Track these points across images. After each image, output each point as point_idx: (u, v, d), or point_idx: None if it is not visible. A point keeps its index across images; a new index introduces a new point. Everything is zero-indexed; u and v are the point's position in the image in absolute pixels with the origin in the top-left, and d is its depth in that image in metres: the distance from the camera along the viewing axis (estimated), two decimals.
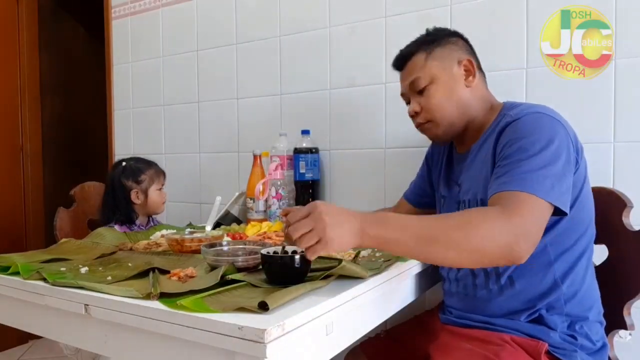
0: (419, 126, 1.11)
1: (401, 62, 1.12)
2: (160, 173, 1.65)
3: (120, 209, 1.56)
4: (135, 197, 1.57)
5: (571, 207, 0.90)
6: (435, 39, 1.09)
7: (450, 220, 0.80)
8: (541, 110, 0.94)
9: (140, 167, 1.60)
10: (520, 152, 0.87)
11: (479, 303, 1.00)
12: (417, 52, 1.08)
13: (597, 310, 0.99)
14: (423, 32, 1.37)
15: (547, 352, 0.91)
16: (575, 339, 0.93)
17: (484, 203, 0.96)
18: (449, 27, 1.17)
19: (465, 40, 1.12)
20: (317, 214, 0.73)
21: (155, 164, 1.67)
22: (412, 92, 1.09)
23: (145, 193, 1.58)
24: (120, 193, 1.57)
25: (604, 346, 0.97)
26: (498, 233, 0.77)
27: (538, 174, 0.84)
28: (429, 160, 1.28)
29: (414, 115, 1.10)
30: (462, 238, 0.76)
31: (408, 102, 1.12)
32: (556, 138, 0.88)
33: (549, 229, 0.91)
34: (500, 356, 0.90)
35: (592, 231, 1.00)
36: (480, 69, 1.10)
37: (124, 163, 1.61)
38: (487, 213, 0.81)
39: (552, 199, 0.83)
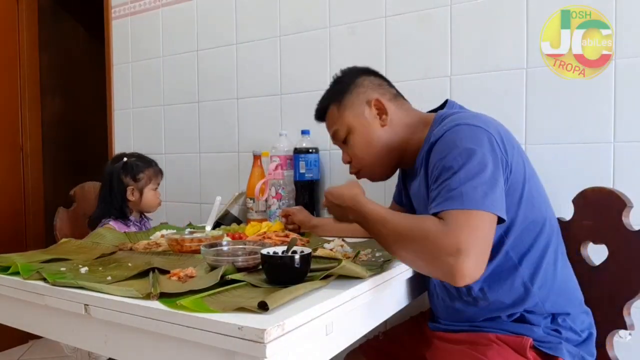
0: (354, 174, 1.15)
1: (319, 116, 1.17)
2: (159, 173, 1.66)
3: (114, 203, 1.57)
4: (131, 194, 1.58)
5: (518, 208, 0.91)
6: (342, 87, 1.11)
7: (406, 222, 0.85)
8: (460, 121, 0.92)
9: (139, 165, 1.61)
10: (445, 172, 0.86)
11: (459, 313, 1.02)
12: (330, 105, 1.12)
13: (577, 301, 1.00)
14: (423, 32, 1.38)
15: (533, 347, 0.92)
16: (559, 332, 0.94)
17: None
18: (448, 27, 1.17)
19: (374, 74, 1.13)
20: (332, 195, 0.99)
21: (155, 163, 1.67)
22: (338, 142, 1.14)
23: (141, 192, 1.59)
24: (117, 188, 1.58)
25: (589, 336, 0.97)
26: (433, 249, 0.79)
27: (466, 187, 0.82)
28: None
29: (348, 164, 1.14)
30: (405, 245, 0.84)
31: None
32: (477, 147, 0.86)
33: (504, 235, 0.93)
34: (487, 355, 0.91)
35: (549, 227, 0.98)
36: (396, 97, 1.10)
37: (125, 159, 1.62)
38: (427, 226, 0.81)
39: (487, 208, 0.81)
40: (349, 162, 1.13)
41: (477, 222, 0.80)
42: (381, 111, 1.07)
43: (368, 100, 1.07)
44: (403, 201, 1.32)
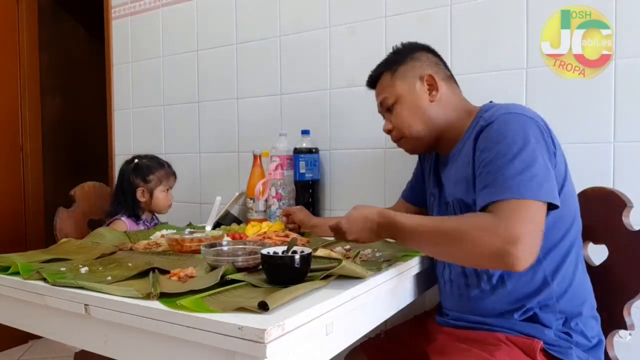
0: (395, 142, 1.16)
1: (371, 82, 1.18)
2: (171, 175, 1.69)
3: (126, 203, 1.61)
4: (141, 195, 1.62)
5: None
6: (399, 57, 1.12)
7: (445, 224, 0.88)
8: (512, 110, 0.94)
9: (150, 167, 1.65)
10: (500, 158, 0.88)
11: (473, 303, 1.01)
12: (384, 72, 1.13)
13: (590, 305, 1.00)
14: (423, 32, 1.38)
15: (543, 350, 0.92)
16: (570, 336, 0.94)
17: (464, 204, 1.00)
18: (448, 27, 1.18)
19: (432, 52, 1.14)
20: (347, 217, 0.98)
21: (168, 165, 1.71)
22: (383, 110, 1.15)
23: (151, 193, 1.62)
24: (128, 189, 1.62)
25: (599, 342, 0.97)
26: (488, 241, 0.81)
27: (522, 176, 0.85)
28: (422, 158, 1.30)
29: (388, 133, 1.16)
30: (454, 245, 0.86)
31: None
32: (531, 135, 0.89)
33: None
34: (495, 356, 0.91)
35: (577, 227, 1.00)
36: (449, 79, 1.12)
37: (136, 160, 1.65)
38: (479, 221, 0.85)
39: (542, 197, 0.84)
40: (389, 132, 1.14)
41: (532, 211, 0.83)
42: (432, 87, 1.08)
43: (422, 75, 1.09)
44: (415, 198, 1.33)
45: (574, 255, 0.98)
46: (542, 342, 0.92)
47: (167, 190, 1.67)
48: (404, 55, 1.12)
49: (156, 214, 1.72)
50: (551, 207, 0.87)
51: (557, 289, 0.95)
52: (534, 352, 0.91)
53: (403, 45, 1.16)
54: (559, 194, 0.93)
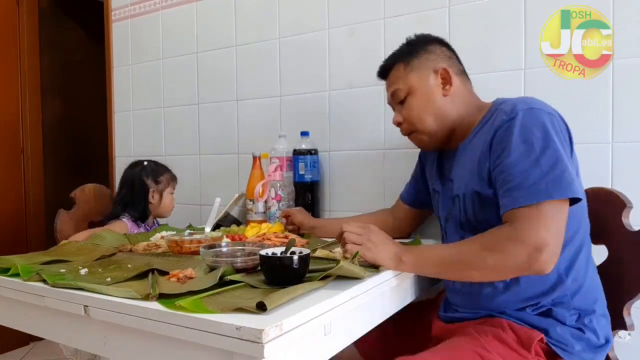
0: (407, 136, 1.15)
1: (383, 72, 1.16)
2: (175, 179, 1.71)
3: (137, 205, 1.61)
4: (152, 196, 1.62)
5: None
6: (413, 49, 1.11)
7: (469, 246, 0.90)
8: (534, 105, 0.94)
9: (159, 169, 1.67)
10: (525, 159, 0.88)
11: (484, 301, 1.00)
12: (396, 63, 1.12)
13: (602, 303, 0.99)
14: (422, 33, 1.36)
15: (544, 344, 0.91)
16: (583, 332, 0.93)
17: (477, 195, 0.98)
18: (447, 28, 1.18)
19: (446, 46, 1.13)
20: (368, 230, 0.96)
21: (171, 170, 1.72)
22: (394, 102, 1.13)
23: (161, 195, 1.63)
24: (140, 190, 1.63)
25: (607, 342, 0.97)
26: (514, 253, 0.84)
27: (551, 176, 0.85)
28: (423, 157, 1.29)
29: (398, 125, 1.14)
30: (481, 262, 0.88)
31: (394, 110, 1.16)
32: (552, 131, 0.89)
33: None
34: (487, 343, 0.91)
35: (586, 225, 1.00)
36: (462, 73, 1.11)
37: (145, 162, 1.67)
38: (502, 234, 0.87)
39: (571, 194, 0.86)
40: (400, 124, 1.13)
41: (558, 212, 0.85)
42: (446, 81, 1.07)
43: (436, 69, 1.08)
44: (413, 201, 1.33)
45: (585, 253, 0.98)
46: (543, 335, 0.91)
47: (172, 193, 1.69)
48: (418, 47, 1.11)
49: (157, 218, 1.72)
50: (572, 201, 0.88)
51: (571, 286, 0.95)
52: (530, 343, 0.90)
53: (417, 37, 1.14)
54: None
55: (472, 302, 1.03)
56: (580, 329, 0.94)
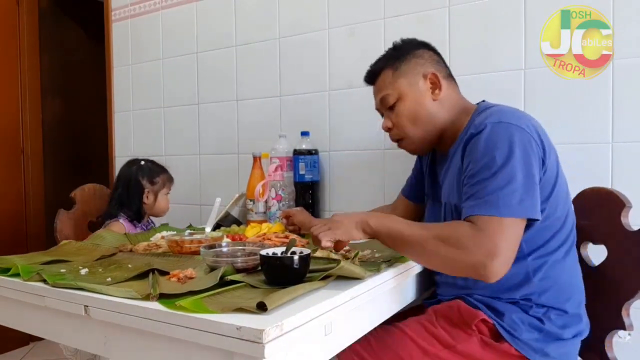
0: (395, 142, 1.15)
1: (371, 78, 1.16)
2: (171, 180, 1.71)
3: (132, 204, 1.61)
4: (146, 197, 1.62)
5: (543, 208, 0.93)
6: (401, 54, 1.11)
7: (431, 230, 0.91)
8: (503, 119, 0.94)
9: (156, 170, 1.67)
10: (484, 170, 0.90)
11: (459, 289, 1.03)
12: (385, 68, 1.12)
13: (576, 303, 1.00)
14: (422, 33, 1.37)
15: (492, 324, 0.95)
16: (543, 323, 0.95)
17: (455, 208, 1.01)
18: (447, 28, 1.18)
19: (433, 50, 1.14)
20: (331, 217, 0.98)
21: (168, 170, 1.72)
22: (383, 108, 1.13)
23: (156, 195, 1.63)
24: (135, 190, 1.63)
25: (574, 337, 0.97)
26: (467, 254, 0.85)
27: (504, 192, 0.87)
28: (420, 156, 1.30)
29: (387, 131, 1.14)
30: (436, 247, 0.89)
31: (382, 115, 1.16)
32: (516, 147, 0.89)
33: (524, 230, 0.94)
34: (434, 323, 0.97)
35: (569, 226, 1.01)
36: (449, 77, 1.12)
37: (142, 162, 1.66)
38: (464, 230, 0.87)
39: (522, 214, 0.87)
40: (389, 130, 1.13)
41: (511, 227, 0.86)
42: (435, 86, 1.08)
43: (425, 73, 1.08)
44: (414, 195, 1.33)
45: (561, 253, 0.98)
46: (486, 317, 0.95)
47: (168, 193, 1.69)
48: (405, 52, 1.11)
49: (152, 218, 1.72)
50: (530, 219, 0.89)
51: (540, 285, 0.96)
52: (471, 322, 0.95)
53: (403, 41, 1.15)
54: (549, 197, 0.95)
55: (454, 291, 1.05)
56: (540, 320, 0.95)
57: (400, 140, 1.14)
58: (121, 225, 1.57)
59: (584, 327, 1.00)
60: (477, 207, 0.88)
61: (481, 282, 0.97)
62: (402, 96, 1.08)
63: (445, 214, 1.06)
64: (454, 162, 1.03)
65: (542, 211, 0.92)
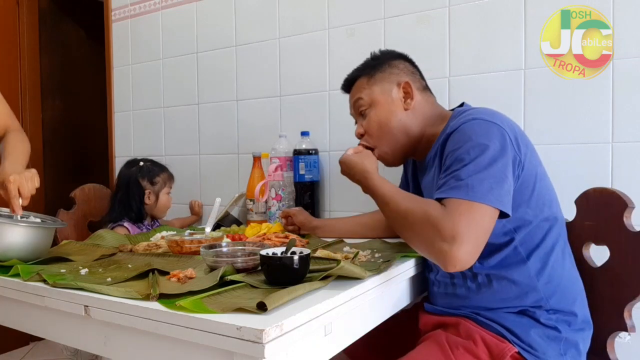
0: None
1: (347, 86, 1.18)
2: (172, 178, 1.72)
3: (133, 207, 1.61)
4: (148, 197, 1.61)
5: (528, 206, 0.93)
6: (378, 63, 1.13)
7: (409, 202, 0.92)
8: (477, 116, 0.94)
9: (155, 170, 1.67)
10: (457, 162, 0.89)
11: (461, 300, 1.02)
12: (360, 76, 1.14)
13: (581, 304, 1.00)
14: (421, 33, 1.38)
15: (517, 354, 0.92)
16: (559, 331, 0.94)
17: None
18: (447, 28, 1.18)
19: (410, 62, 1.16)
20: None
21: (168, 169, 1.72)
22: (356, 113, 1.15)
23: (157, 195, 1.62)
24: (136, 191, 1.63)
25: (582, 340, 0.97)
26: (431, 235, 0.84)
27: (473, 179, 0.85)
28: (405, 165, 1.30)
29: (359, 137, 1.15)
30: (407, 224, 0.90)
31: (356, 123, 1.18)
32: (490, 142, 0.89)
33: (514, 231, 0.95)
34: (455, 354, 0.92)
35: (559, 226, 1.00)
36: (424, 89, 1.13)
37: (141, 163, 1.65)
38: (431, 211, 0.86)
39: (490, 201, 0.85)
40: (361, 136, 1.14)
41: (477, 213, 0.84)
42: (407, 95, 1.09)
43: (398, 82, 1.10)
44: None
45: (558, 254, 0.98)
46: (515, 350, 0.91)
47: (169, 192, 1.69)
48: (382, 61, 1.13)
49: (157, 218, 1.72)
50: (503, 215, 0.87)
51: (546, 289, 0.95)
52: (502, 357, 0.91)
53: (381, 52, 1.17)
54: (532, 194, 0.95)
55: (450, 302, 1.04)
56: (556, 329, 0.94)
57: (372, 150, 1.13)
58: (125, 230, 1.57)
59: (590, 329, 1.00)
60: (444, 192, 0.87)
61: (484, 291, 0.97)
62: (374, 103, 1.10)
63: None
64: (434, 167, 1.03)
65: (526, 211, 0.93)
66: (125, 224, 1.58)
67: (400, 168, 1.50)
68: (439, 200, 0.88)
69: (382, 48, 1.55)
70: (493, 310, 0.97)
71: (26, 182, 1.05)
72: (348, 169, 1.07)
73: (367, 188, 1.02)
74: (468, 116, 0.96)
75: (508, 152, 0.90)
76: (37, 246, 1.06)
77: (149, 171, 1.64)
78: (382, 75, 1.11)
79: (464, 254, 0.81)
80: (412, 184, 1.23)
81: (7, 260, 1.00)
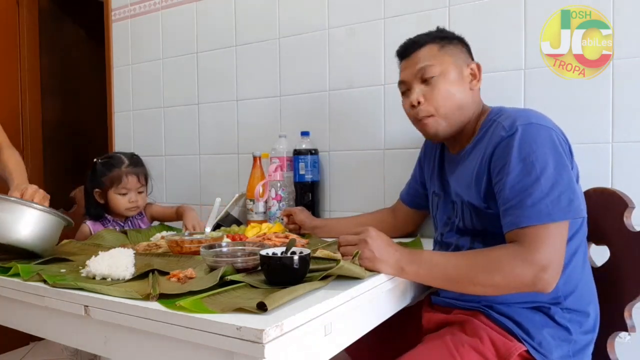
0: (420, 120, 1.07)
1: (411, 49, 1.09)
2: (129, 175, 1.55)
3: (89, 206, 1.59)
4: (99, 197, 1.58)
5: None
6: (447, 36, 1.10)
7: (475, 261, 0.91)
8: (533, 120, 0.93)
9: (104, 169, 1.57)
10: (525, 177, 0.89)
11: (474, 296, 1.00)
12: (431, 42, 1.07)
13: (594, 306, 1.00)
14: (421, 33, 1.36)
15: (525, 351, 0.92)
16: (570, 333, 0.94)
17: (472, 206, 1.00)
18: (447, 28, 1.17)
19: (469, 47, 1.14)
20: (365, 238, 0.93)
21: (130, 165, 1.58)
22: (418, 80, 1.06)
23: (105, 196, 1.57)
24: (87, 191, 1.60)
25: (589, 342, 0.97)
26: (520, 273, 0.85)
27: (551, 197, 0.86)
28: (422, 159, 1.29)
29: (415, 106, 1.06)
30: (487, 280, 0.88)
31: (404, 92, 1.11)
32: (552, 149, 0.89)
33: None
34: (461, 353, 0.91)
35: (584, 229, 1.00)
36: None
37: (95, 161, 1.60)
38: (509, 253, 0.87)
39: (571, 215, 0.87)
40: (419, 103, 1.05)
41: (558, 234, 0.87)
42: (474, 76, 1.08)
43: (469, 62, 1.08)
44: (414, 202, 1.33)
45: (580, 256, 0.98)
46: (524, 347, 0.91)
47: (124, 193, 1.55)
48: (451, 37, 1.10)
49: (122, 217, 1.62)
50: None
51: (564, 289, 0.95)
52: (509, 356, 0.90)
53: (445, 29, 1.14)
54: None
55: (462, 294, 1.02)
56: (567, 329, 0.94)
57: (427, 117, 1.06)
58: (86, 227, 1.55)
59: (595, 334, 1.00)
60: (523, 218, 0.87)
61: None
62: (445, 72, 1.04)
63: (462, 213, 1.04)
64: (471, 160, 1.02)
65: None
66: (88, 222, 1.57)
67: (401, 168, 1.50)
68: (517, 228, 0.88)
69: (382, 48, 1.56)
70: (508, 304, 0.97)
71: (39, 197, 1.11)
72: (378, 246, 0.93)
73: (417, 272, 0.93)
74: (521, 118, 0.94)
75: (567, 154, 0.92)
76: (49, 235, 1.09)
77: (97, 171, 1.57)
78: (454, 49, 1.08)
79: (555, 275, 0.86)
80: (437, 177, 1.17)
81: (18, 246, 1.02)
